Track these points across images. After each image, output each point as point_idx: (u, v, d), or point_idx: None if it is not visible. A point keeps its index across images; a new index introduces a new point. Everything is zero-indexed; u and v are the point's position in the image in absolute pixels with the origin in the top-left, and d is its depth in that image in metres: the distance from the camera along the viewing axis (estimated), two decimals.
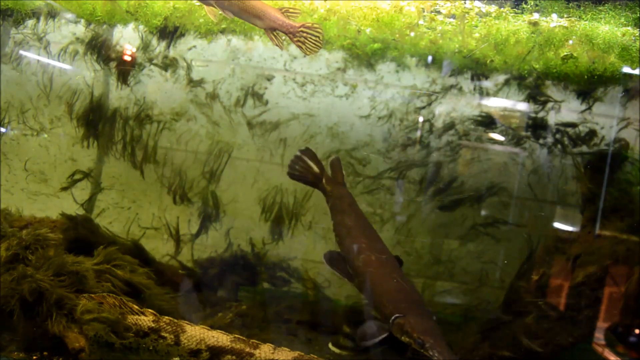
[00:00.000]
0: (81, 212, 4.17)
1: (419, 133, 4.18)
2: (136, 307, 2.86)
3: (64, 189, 4.24)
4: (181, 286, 3.96)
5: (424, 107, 4.16)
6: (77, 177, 4.27)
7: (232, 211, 4.31)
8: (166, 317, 2.86)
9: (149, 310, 2.88)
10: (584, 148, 3.94)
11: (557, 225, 3.89)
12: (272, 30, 2.83)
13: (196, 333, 2.80)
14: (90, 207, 4.30)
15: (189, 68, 4.20)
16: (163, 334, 2.78)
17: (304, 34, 2.82)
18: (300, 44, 2.82)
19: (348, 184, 4.25)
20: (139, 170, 4.26)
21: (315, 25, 2.82)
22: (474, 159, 4.15)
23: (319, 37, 2.82)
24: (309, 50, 2.82)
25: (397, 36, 3.68)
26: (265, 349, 2.76)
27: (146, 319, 2.82)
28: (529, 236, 3.79)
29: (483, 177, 4.15)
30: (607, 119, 3.91)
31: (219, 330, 2.84)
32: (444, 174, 4.16)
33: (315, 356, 2.82)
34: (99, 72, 4.22)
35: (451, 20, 3.55)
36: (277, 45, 2.86)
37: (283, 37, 2.90)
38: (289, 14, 2.82)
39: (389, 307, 2.82)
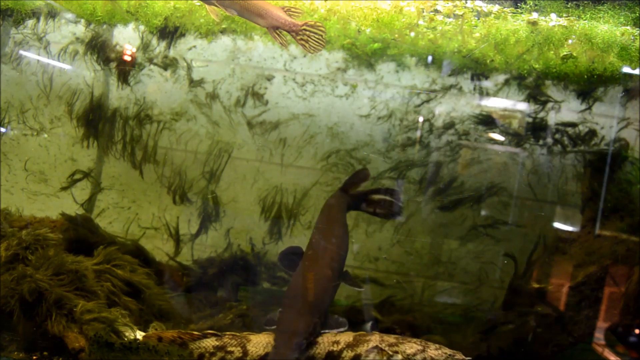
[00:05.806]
0: (81, 212, 4.16)
1: (418, 133, 4.18)
2: (196, 332, 2.85)
3: (64, 189, 4.23)
4: (181, 286, 3.95)
5: (421, 104, 4.15)
6: (77, 177, 4.26)
7: (232, 211, 4.31)
8: (228, 332, 2.88)
9: (209, 331, 2.88)
10: (584, 148, 3.95)
11: (557, 225, 3.89)
12: (274, 29, 2.82)
13: (261, 339, 2.84)
14: (90, 207, 4.29)
15: (189, 68, 4.20)
16: (230, 348, 2.80)
17: (307, 33, 2.80)
18: (303, 42, 2.81)
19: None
20: (138, 170, 4.26)
21: (318, 24, 2.80)
22: (474, 159, 4.15)
23: (322, 35, 2.80)
24: (312, 48, 2.80)
25: (396, 36, 3.69)
26: (328, 335, 2.88)
27: (209, 341, 2.83)
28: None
29: (483, 177, 4.15)
30: (607, 119, 3.92)
31: None
32: (444, 174, 4.16)
33: (377, 332, 2.89)
34: (99, 72, 4.21)
35: (450, 20, 3.56)
36: (281, 44, 2.84)
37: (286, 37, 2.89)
38: (291, 12, 2.81)
39: None
